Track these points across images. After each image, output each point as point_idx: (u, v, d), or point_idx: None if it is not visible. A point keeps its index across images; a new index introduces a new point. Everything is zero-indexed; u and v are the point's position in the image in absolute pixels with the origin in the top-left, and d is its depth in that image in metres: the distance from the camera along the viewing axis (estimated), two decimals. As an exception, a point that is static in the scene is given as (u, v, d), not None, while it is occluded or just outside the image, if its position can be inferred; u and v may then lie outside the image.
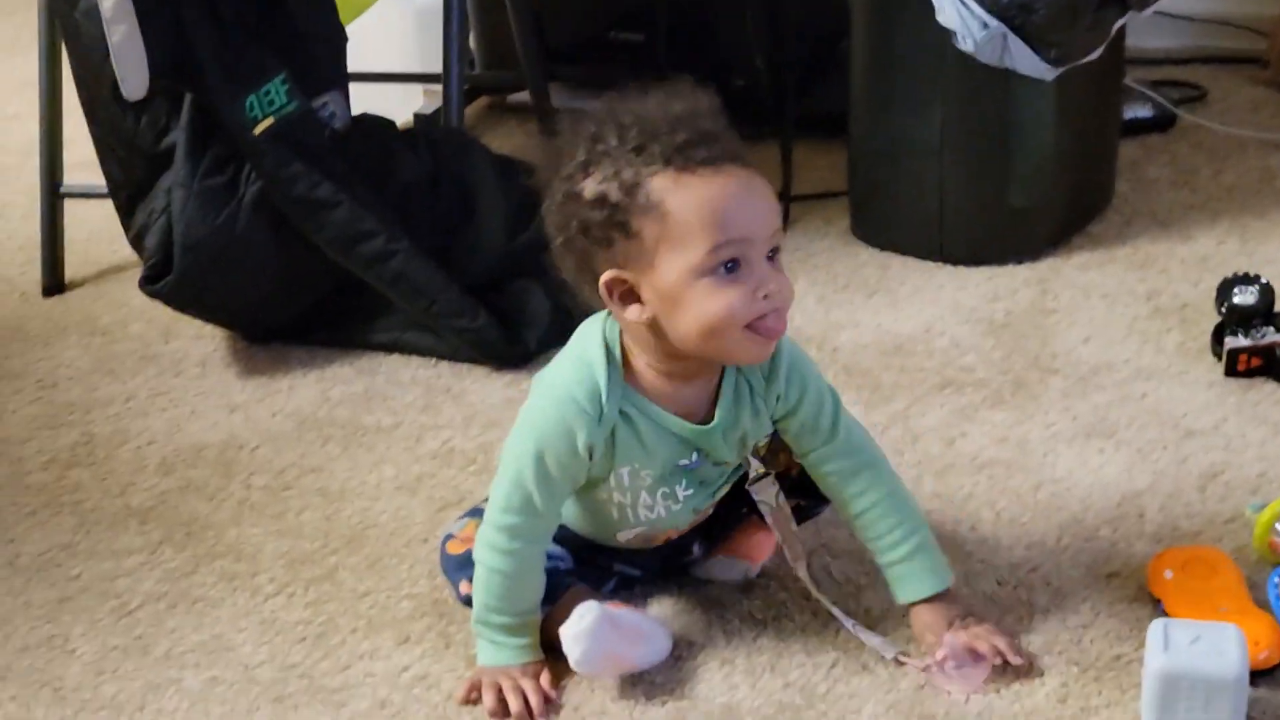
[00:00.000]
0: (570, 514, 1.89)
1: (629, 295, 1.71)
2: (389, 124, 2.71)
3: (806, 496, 1.94)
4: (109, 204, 2.68)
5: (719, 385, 1.80)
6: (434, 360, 2.57)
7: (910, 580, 1.85)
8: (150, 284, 2.55)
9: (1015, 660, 1.80)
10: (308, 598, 2.04)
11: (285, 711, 1.85)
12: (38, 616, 2.04)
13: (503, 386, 2.49)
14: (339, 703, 1.85)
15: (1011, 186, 2.71)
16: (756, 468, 1.89)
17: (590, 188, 1.69)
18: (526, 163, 2.79)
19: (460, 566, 1.91)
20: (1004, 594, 1.94)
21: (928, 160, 2.71)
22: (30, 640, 2.00)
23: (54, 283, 2.91)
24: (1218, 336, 2.41)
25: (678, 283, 1.67)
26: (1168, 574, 1.88)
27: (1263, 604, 1.84)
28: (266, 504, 2.23)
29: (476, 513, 1.91)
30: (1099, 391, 2.35)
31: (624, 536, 1.90)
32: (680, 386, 1.78)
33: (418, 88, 3.52)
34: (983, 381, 2.40)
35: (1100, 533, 2.04)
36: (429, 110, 3.36)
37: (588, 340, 1.79)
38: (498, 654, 1.83)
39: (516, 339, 2.54)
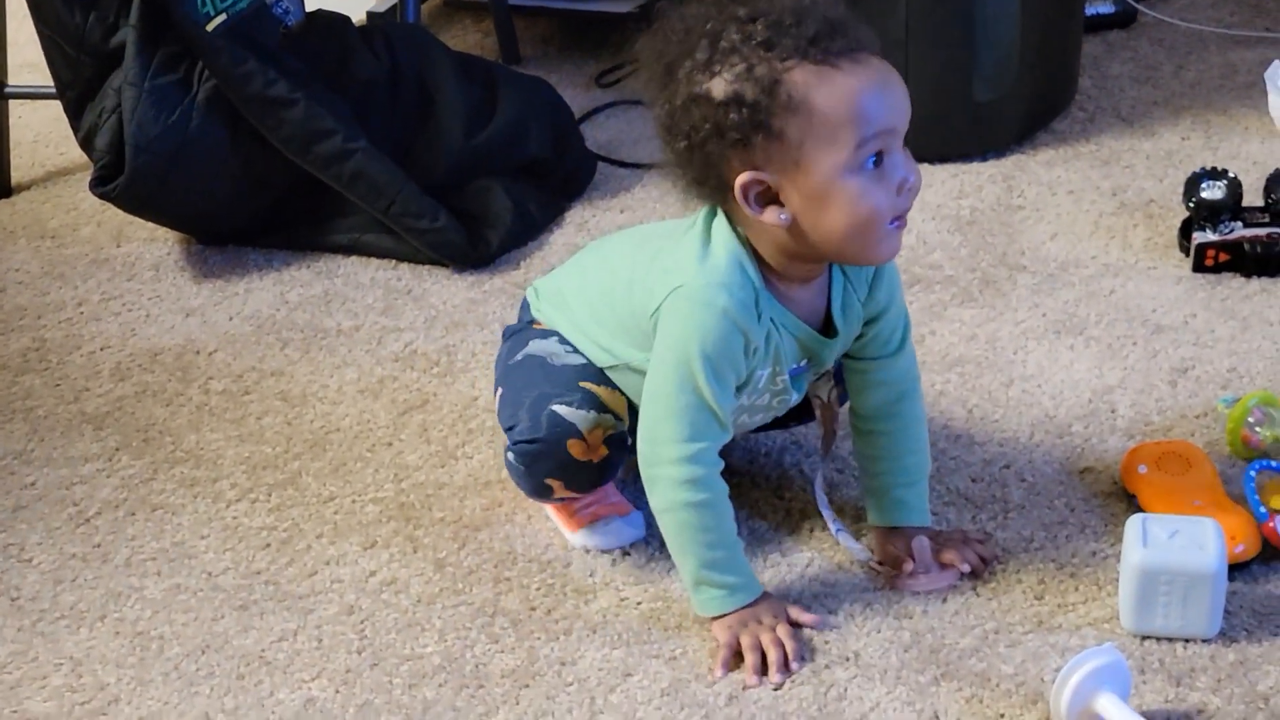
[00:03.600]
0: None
1: (765, 197, 1.62)
2: (345, 21, 2.66)
3: None
4: (56, 105, 2.63)
5: (829, 293, 1.73)
6: (394, 261, 2.53)
7: (902, 510, 1.82)
8: (101, 186, 2.49)
9: (983, 571, 1.79)
10: (271, 503, 2.01)
11: (250, 619, 1.82)
12: (-6, 525, 2.01)
13: (464, 288, 2.45)
14: (306, 609, 1.83)
15: (976, 82, 2.68)
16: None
17: (720, 88, 1.58)
18: (485, 59, 2.77)
19: (581, 473, 1.80)
20: (977, 491, 1.93)
21: (893, 55, 2.60)
22: (-13, 549, 1.97)
23: (0, 186, 2.84)
24: (1185, 231, 2.39)
25: (826, 181, 1.58)
26: (1142, 469, 1.87)
27: (1237, 498, 1.84)
28: (226, 409, 2.20)
29: (594, 405, 1.77)
30: (1067, 288, 2.34)
31: None
32: (799, 290, 1.71)
33: (370, -14, 3.46)
34: (951, 279, 2.38)
35: (1072, 429, 2.03)
36: (383, 8, 3.30)
37: (720, 237, 1.67)
38: (732, 597, 1.72)
39: (478, 240, 2.50)
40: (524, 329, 1.90)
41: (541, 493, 1.84)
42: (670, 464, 1.69)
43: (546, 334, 1.85)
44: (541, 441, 1.78)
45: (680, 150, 1.63)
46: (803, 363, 1.75)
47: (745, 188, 1.61)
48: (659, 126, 1.65)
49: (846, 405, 1.88)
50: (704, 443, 1.68)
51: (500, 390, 1.86)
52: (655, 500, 1.72)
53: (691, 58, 1.60)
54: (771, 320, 1.69)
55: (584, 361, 1.81)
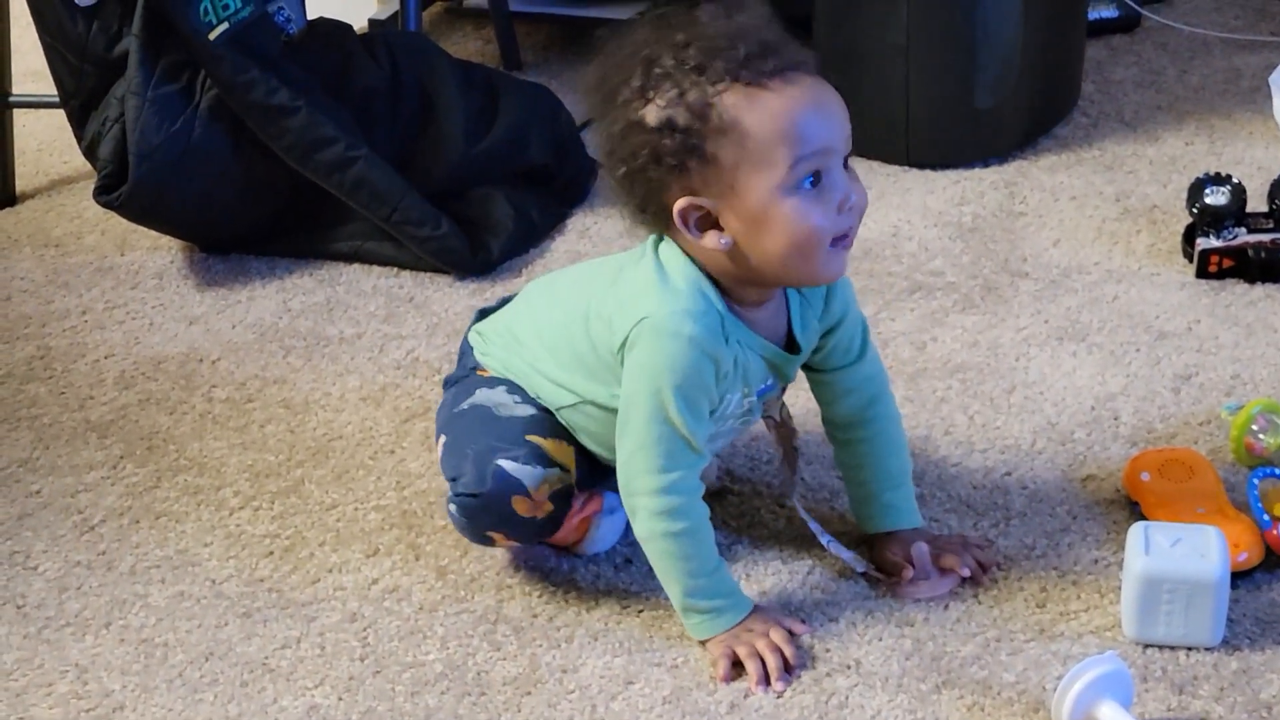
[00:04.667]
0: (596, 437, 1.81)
1: (705, 222, 1.62)
2: (346, 29, 2.66)
3: None
4: (60, 114, 2.64)
5: (787, 310, 1.73)
6: (395, 269, 2.53)
7: (892, 514, 1.83)
8: (105, 195, 2.50)
9: (983, 578, 1.79)
10: (274, 511, 2.01)
11: (254, 626, 1.83)
12: (-2, 533, 2.01)
13: (466, 295, 2.45)
14: (309, 616, 1.83)
15: (978, 88, 2.68)
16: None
17: (654, 114, 1.59)
18: (486, 66, 2.77)
19: (525, 529, 1.79)
20: (979, 498, 1.93)
21: (894, 62, 2.67)
22: (-9, 558, 1.97)
23: (4, 195, 2.85)
24: (1189, 237, 2.39)
25: (762, 203, 1.58)
26: (1144, 476, 1.87)
27: (1241, 506, 1.83)
28: (229, 417, 2.20)
29: (541, 460, 1.76)
30: (1070, 294, 2.34)
31: None
32: (758, 311, 1.71)
33: (372, -7, 3.47)
34: (952, 285, 2.38)
35: (1075, 435, 2.03)
36: (383, 16, 3.31)
37: (675, 264, 1.67)
38: (719, 619, 1.72)
39: (480, 247, 2.50)
40: (469, 376, 1.88)
41: (484, 542, 1.83)
42: (647, 494, 1.69)
43: (494, 382, 1.84)
44: (485, 496, 1.75)
45: (621, 177, 1.64)
46: (769, 381, 1.75)
47: (684, 213, 1.61)
48: (600, 154, 1.66)
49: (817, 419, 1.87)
50: (679, 472, 1.68)
51: (443, 439, 1.83)
52: (637, 528, 1.72)
53: (628, 84, 1.60)
54: (738, 342, 1.68)
55: (532, 413, 1.79)
